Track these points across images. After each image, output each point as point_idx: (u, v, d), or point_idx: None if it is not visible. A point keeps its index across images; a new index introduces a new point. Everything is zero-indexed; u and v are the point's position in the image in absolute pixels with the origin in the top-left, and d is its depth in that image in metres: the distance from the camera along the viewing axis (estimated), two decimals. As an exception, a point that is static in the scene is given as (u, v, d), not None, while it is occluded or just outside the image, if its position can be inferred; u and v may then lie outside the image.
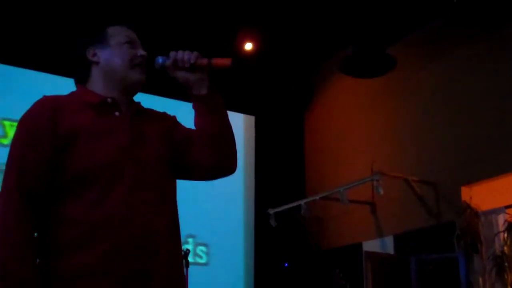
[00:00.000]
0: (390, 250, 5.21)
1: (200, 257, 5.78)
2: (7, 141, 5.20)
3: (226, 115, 1.78)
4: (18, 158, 1.58)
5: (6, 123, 5.23)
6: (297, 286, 5.94)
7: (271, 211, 5.66)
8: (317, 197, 5.52)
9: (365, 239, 5.49)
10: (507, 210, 4.30)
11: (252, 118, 6.36)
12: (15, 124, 5.83)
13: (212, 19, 5.45)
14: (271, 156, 6.33)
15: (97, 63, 1.73)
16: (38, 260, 1.53)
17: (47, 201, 1.56)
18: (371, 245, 5.35)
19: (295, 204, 5.63)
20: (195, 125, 1.76)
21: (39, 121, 1.60)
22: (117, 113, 1.68)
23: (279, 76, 6.31)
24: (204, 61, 1.70)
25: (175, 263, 1.67)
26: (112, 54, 1.73)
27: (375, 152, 5.54)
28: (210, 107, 1.74)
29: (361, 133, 5.91)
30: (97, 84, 1.73)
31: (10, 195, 1.53)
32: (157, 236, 1.61)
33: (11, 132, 5.23)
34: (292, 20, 5.61)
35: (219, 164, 1.77)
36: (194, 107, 1.75)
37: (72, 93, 1.75)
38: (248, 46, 5.98)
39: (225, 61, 1.71)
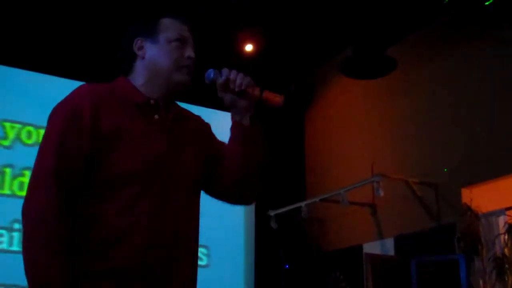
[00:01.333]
0: (391, 252, 5.20)
1: (201, 259, 5.76)
2: (7, 142, 5.20)
3: (261, 149, 1.74)
4: (57, 145, 1.50)
5: (7, 124, 5.23)
6: (298, 288, 5.93)
7: (272, 213, 5.65)
8: (318, 199, 5.51)
9: (365, 241, 5.48)
10: (508, 212, 4.28)
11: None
12: (16, 125, 5.76)
13: (212, 20, 5.45)
14: (271, 157, 6.32)
15: (142, 57, 1.66)
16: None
17: (78, 200, 1.51)
18: (371, 247, 5.34)
19: (295, 206, 5.62)
20: (228, 146, 1.72)
21: (81, 114, 1.53)
22: (156, 116, 1.63)
23: (279, 77, 6.30)
24: (256, 91, 1.63)
25: (195, 269, 1.65)
26: (159, 52, 1.65)
27: (376, 153, 5.54)
28: (247, 138, 1.69)
29: (361, 135, 5.90)
30: (139, 78, 1.66)
31: (49, 180, 1.46)
32: (183, 242, 1.60)
33: (11, 134, 5.23)
34: (293, 21, 5.60)
35: (240, 193, 1.75)
36: (232, 129, 1.70)
37: (114, 85, 1.67)
38: (249, 47, 5.98)
39: (277, 98, 1.62)
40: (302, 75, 6.63)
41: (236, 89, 1.62)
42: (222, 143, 1.76)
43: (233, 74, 1.63)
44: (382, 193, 4.73)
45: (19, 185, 5.13)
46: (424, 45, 5.33)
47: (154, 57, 1.65)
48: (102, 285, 1.47)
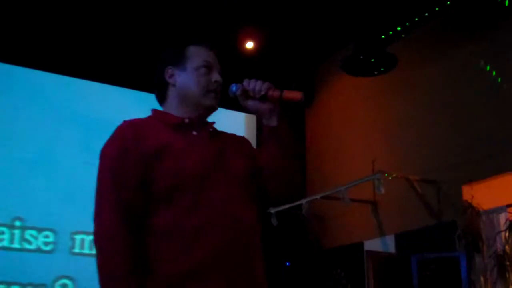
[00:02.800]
0: (392, 249, 5.20)
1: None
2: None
3: (290, 148, 1.84)
4: (111, 184, 1.61)
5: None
6: (299, 285, 5.93)
7: (272, 210, 5.64)
8: (318, 196, 5.51)
9: (366, 238, 5.49)
10: (509, 209, 4.28)
11: (253, 117, 6.35)
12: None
13: (213, 17, 5.45)
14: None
15: (173, 84, 1.80)
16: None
17: (141, 216, 1.60)
18: (372, 244, 5.34)
19: (296, 203, 5.62)
20: (262, 154, 1.81)
21: (125, 144, 1.65)
22: (194, 132, 1.75)
23: (280, 75, 6.30)
24: (276, 93, 1.74)
25: (264, 273, 1.72)
26: (188, 79, 1.78)
27: (376, 151, 5.53)
28: (278, 139, 1.79)
29: (362, 132, 5.90)
30: (172, 105, 1.80)
31: (110, 222, 1.56)
32: (252, 244, 1.67)
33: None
34: (293, 18, 5.60)
35: (272, 196, 1.85)
36: (263, 135, 1.80)
37: (150, 116, 1.81)
38: (249, 44, 5.98)
39: (296, 95, 1.74)
40: (303, 72, 6.62)
41: (257, 96, 1.74)
42: (259, 150, 1.87)
43: (251, 84, 1.75)
44: (383, 191, 4.72)
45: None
46: (425, 43, 5.32)
47: (184, 84, 1.79)
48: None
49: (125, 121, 1.73)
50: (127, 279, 1.50)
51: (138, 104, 4.83)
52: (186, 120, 1.75)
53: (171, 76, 1.80)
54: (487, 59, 4.72)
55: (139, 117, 1.80)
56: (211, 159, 1.70)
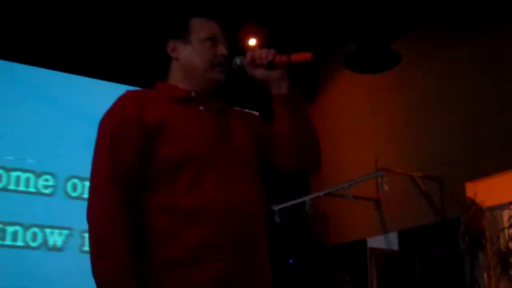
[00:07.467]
0: (395, 246, 5.20)
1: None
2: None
3: (308, 115, 1.73)
4: (108, 152, 1.53)
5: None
6: (302, 282, 5.94)
7: (276, 208, 5.65)
8: (322, 193, 5.51)
9: (369, 235, 5.48)
10: (512, 206, 4.28)
11: (255, 114, 6.34)
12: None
13: (215, 14, 5.44)
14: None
15: (176, 58, 1.71)
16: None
17: (139, 191, 1.52)
18: (375, 241, 5.34)
19: (299, 200, 5.62)
20: (275, 125, 1.71)
21: (125, 113, 1.57)
22: (201, 107, 1.65)
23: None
24: (284, 58, 1.64)
25: (267, 258, 1.64)
26: (192, 52, 1.69)
27: (380, 148, 5.53)
28: (290, 107, 1.68)
29: (365, 129, 5.89)
30: (176, 79, 1.71)
31: (104, 191, 1.49)
32: (255, 227, 1.58)
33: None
34: (296, 15, 5.59)
35: (301, 166, 1.75)
36: (273, 107, 1.70)
37: (154, 88, 1.72)
38: (252, 41, 5.97)
39: (305, 56, 1.63)
40: (306, 70, 6.62)
41: (264, 62, 1.64)
42: (271, 124, 1.75)
43: (257, 51, 1.65)
44: (386, 188, 4.72)
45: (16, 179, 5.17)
46: (428, 39, 5.31)
47: (188, 58, 1.69)
48: (169, 276, 1.45)
49: (127, 91, 1.65)
50: (120, 254, 1.43)
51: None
52: (193, 94, 1.66)
53: (174, 49, 1.71)
54: (488, 56, 4.71)
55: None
56: (217, 136, 1.60)
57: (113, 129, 1.57)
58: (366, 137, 5.85)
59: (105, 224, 1.46)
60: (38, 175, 5.20)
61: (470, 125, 4.76)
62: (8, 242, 4.93)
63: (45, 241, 5.07)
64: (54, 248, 5.09)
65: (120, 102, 1.62)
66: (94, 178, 1.53)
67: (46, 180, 5.22)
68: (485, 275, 4.25)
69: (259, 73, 1.66)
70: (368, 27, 5.03)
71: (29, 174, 5.16)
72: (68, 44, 5.39)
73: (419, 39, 5.37)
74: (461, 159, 4.75)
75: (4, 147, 5.10)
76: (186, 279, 1.45)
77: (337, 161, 6.12)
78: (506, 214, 4.30)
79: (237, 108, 1.79)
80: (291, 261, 5.98)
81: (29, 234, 5.02)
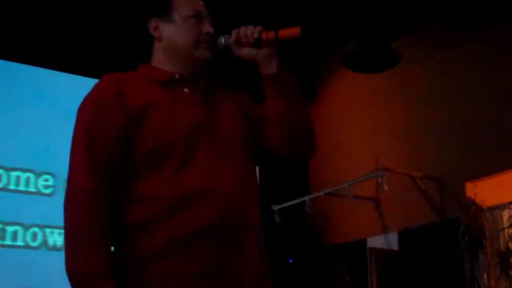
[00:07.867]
0: (395, 246, 5.20)
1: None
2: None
3: (299, 95, 1.63)
4: (84, 145, 1.46)
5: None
6: (302, 282, 5.94)
7: (275, 207, 5.65)
8: (322, 193, 5.51)
9: (369, 235, 5.48)
10: (512, 206, 4.28)
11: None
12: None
13: (214, 13, 5.44)
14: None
15: (159, 38, 1.62)
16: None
17: (121, 180, 1.45)
18: (375, 241, 5.34)
19: (299, 200, 5.62)
20: (266, 107, 1.63)
21: (104, 97, 1.50)
22: (186, 90, 1.58)
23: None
24: (271, 34, 1.55)
25: (263, 246, 1.55)
26: (176, 31, 1.60)
27: (380, 147, 5.53)
28: (280, 87, 1.59)
29: (365, 129, 5.89)
30: (160, 60, 1.63)
31: (80, 186, 1.42)
32: (244, 211, 1.48)
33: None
34: (296, 15, 5.59)
35: (295, 147, 1.64)
36: (263, 87, 1.61)
37: (136, 71, 1.64)
38: (252, 41, 5.97)
39: (294, 31, 1.53)
40: (306, 69, 6.62)
41: (250, 40, 1.56)
42: (262, 105, 1.67)
43: (242, 29, 1.58)
44: (386, 188, 4.72)
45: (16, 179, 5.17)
46: (428, 39, 5.31)
47: (171, 37, 1.61)
48: (153, 266, 1.39)
49: (106, 75, 1.56)
50: (95, 247, 1.37)
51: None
52: (177, 76, 1.57)
53: (156, 28, 1.62)
54: (488, 56, 4.71)
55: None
56: (202, 120, 1.52)
57: (90, 117, 1.49)
58: (366, 137, 5.85)
59: (78, 222, 1.40)
60: (38, 175, 5.21)
61: (470, 125, 4.76)
62: (8, 242, 4.94)
63: (45, 241, 5.08)
64: (54, 248, 5.09)
65: (98, 87, 1.54)
66: (70, 174, 1.47)
67: (46, 180, 5.23)
68: (485, 275, 4.25)
69: (245, 52, 1.58)
70: (368, 27, 5.03)
71: (29, 174, 5.17)
72: (68, 44, 5.39)
73: (419, 39, 5.37)
74: (461, 159, 4.75)
75: (4, 147, 5.11)
76: (171, 267, 1.39)
77: (337, 161, 6.13)
78: (506, 214, 4.30)
79: (225, 88, 1.71)
80: (291, 261, 5.98)
81: (29, 234, 5.03)
